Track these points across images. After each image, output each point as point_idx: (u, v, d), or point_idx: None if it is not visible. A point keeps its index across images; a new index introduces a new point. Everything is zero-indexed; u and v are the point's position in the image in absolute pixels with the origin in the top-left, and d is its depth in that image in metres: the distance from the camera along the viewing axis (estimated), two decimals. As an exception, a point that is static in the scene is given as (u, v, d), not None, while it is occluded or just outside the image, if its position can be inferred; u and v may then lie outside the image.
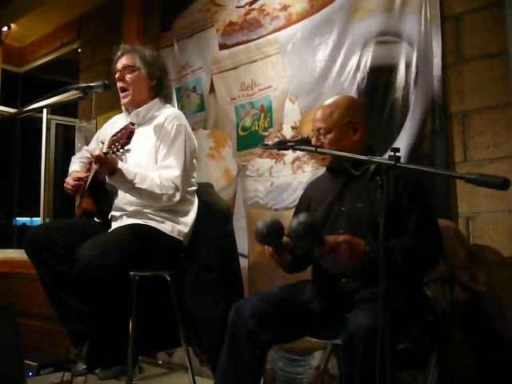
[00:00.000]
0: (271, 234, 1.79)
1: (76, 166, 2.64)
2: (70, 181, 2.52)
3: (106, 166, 2.11)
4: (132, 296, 2.18)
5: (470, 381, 1.94)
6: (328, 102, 2.05)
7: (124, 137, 2.06)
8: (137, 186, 2.18)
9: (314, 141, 1.98)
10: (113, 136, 2.13)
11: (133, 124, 2.08)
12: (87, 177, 2.53)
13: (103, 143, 2.14)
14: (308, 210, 2.08)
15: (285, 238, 1.84)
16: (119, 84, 2.48)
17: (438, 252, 1.87)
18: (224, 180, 3.25)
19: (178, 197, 2.30)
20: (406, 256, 1.74)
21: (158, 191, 2.22)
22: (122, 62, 2.49)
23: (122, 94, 2.49)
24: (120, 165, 2.15)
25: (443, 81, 2.37)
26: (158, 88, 2.54)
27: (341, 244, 1.70)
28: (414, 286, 1.88)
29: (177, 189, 2.29)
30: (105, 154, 2.08)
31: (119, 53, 2.52)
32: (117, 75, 2.48)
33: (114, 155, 2.09)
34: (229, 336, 1.86)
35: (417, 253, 1.79)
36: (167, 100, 2.60)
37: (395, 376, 1.45)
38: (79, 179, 2.52)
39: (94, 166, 2.40)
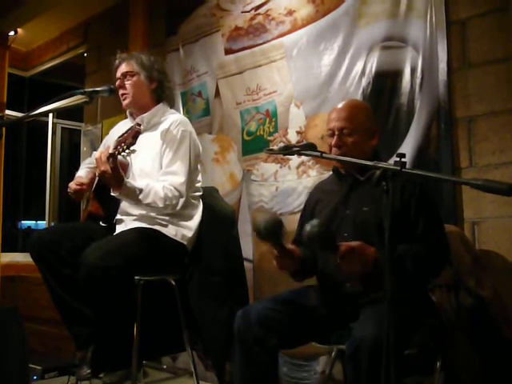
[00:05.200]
0: (271, 229, 1.79)
1: (81, 172, 2.64)
2: (72, 185, 2.52)
3: (111, 182, 2.15)
4: (137, 300, 2.19)
5: (475, 387, 1.93)
6: (347, 104, 2.02)
7: (130, 137, 2.07)
8: (140, 200, 2.23)
9: (334, 140, 1.94)
10: (119, 137, 2.15)
11: (139, 124, 2.09)
12: (90, 184, 2.53)
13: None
14: (313, 214, 2.08)
15: (291, 246, 1.86)
16: (120, 91, 2.50)
17: (446, 258, 1.87)
18: (229, 184, 3.25)
19: (180, 204, 2.33)
20: (415, 262, 1.75)
21: (161, 205, 2.26)
22: (121, 71, 2.52)
23: (122, 98, 2.51)
24: (124, 182, 2.17)
25: (449, 86, 2.37)
26: (160, 91, 2.55)
27: (354, 249, 1.71)
28: (419, 292, 1.87)
29: (180, 196, 2.31)
30: (111, 154, 2.10)
31: (117, 62, 2.55)
32: (117, 83, 2.51)
33: (120, 173, 2.14)
34: (238, 343, 1.85)
35: (425, 258, 1.80)
36: (170, 103, 2.61)
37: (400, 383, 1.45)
38: (82, 184, 2.52)
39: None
